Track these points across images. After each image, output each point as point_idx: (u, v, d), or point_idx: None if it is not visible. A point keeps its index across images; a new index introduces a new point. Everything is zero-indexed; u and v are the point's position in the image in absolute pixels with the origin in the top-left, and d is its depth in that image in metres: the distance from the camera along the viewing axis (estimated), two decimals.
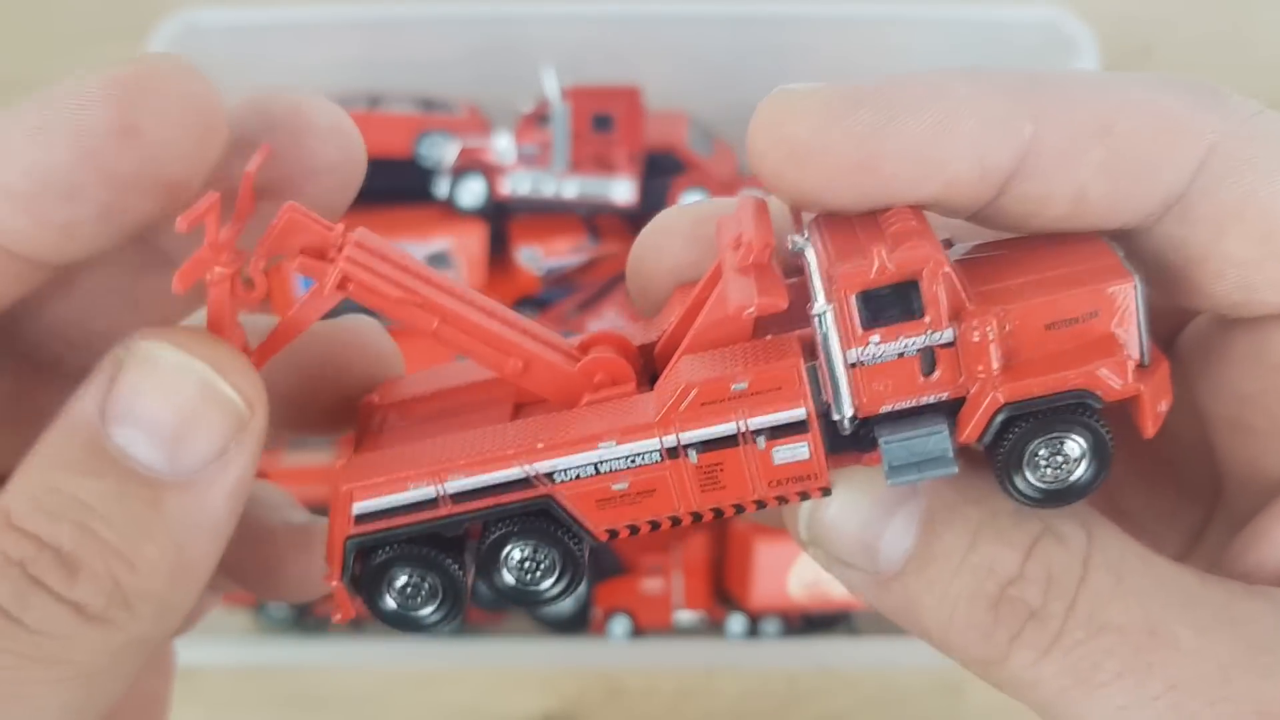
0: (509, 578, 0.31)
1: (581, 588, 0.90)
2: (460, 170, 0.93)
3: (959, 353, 0.29)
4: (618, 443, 0.29)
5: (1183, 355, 0.33)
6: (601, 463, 0.29)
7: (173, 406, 0.28)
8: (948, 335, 0.29)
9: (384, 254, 0.31)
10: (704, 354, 0.30)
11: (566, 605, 0.93)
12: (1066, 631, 0.28)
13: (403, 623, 0.31)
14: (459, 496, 0.29)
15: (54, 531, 0.27)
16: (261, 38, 0.97)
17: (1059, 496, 0.29)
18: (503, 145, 0.91)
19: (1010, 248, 0.31)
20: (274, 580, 0.37)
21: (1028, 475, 0.29)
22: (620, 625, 0.93)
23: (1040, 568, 0.29)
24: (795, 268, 0.30)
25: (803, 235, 0.29)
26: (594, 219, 0.98)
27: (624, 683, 1.03)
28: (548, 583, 0.31)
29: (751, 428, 0.29)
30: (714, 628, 0.94)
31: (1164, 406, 0.29)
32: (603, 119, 0.90)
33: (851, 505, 0.30)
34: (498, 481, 0.29)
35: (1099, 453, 0.29)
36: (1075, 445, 0.29)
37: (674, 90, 0.99)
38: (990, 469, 0.30)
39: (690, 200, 0.92)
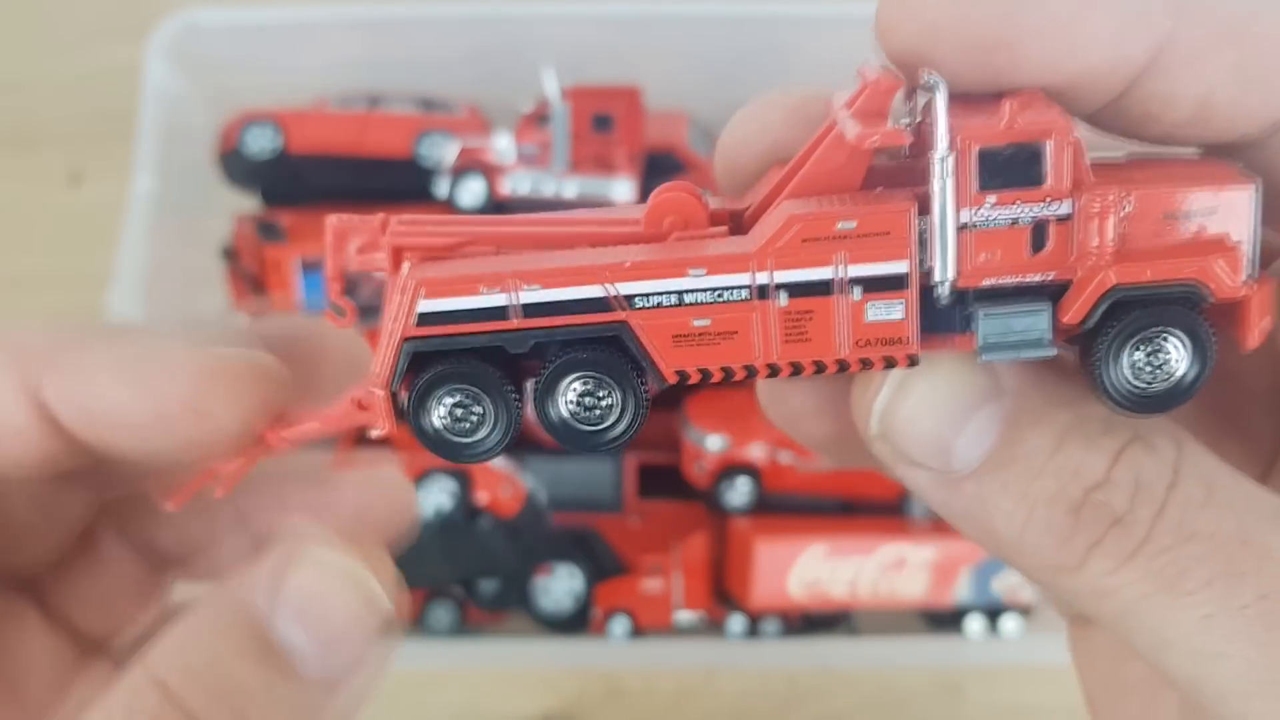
0: (565, 411, 0.29)
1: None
2: (460, 170, 0.93)
3: (1073, 229, 0.28)
4: (708, 272, 0.27)
5: None
6: (687, 292, 0.27)
7: (348, 613, 0.29)
8: (1065, 208, 0.28)
9: (422, 219, 0.30)
10: (809, 199, 0.28)
11: (566, 604, 0.93)
12: (1153, 538, 0.28)
13: (443, 447, 0.29)
14: (530, 309, 0.28)
15: (211, 713, 0.28)
16: (262, 38, 0.97)
17: (1156, 400, 0.28)
18: (503, 145, 0.91)
19: (1128, 161, 0.31)
20: None
21: (1125, 373, 0.28)
22: (620, 625, 0.93)
23: (1128, 473, 0.28)
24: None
25: (933, 75, 0.28)
26: None
27: (624, 683, 1.03)
28: (609, 421, 0.29)
29: (850, 275, 0.28)
30: (714, 628, 0.94)
31: (1268, 323, 0.28)
32: (603, 119, 0.90)
33: (930, 400, 0.29)
34: (575, 298, 0.28)
35: (1200, 353, 0.28)
36: (1176, 344, 0.28)
37: (674, 90, 0.99)
38: (1084, 372, 0.29)
39: None
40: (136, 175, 0.91)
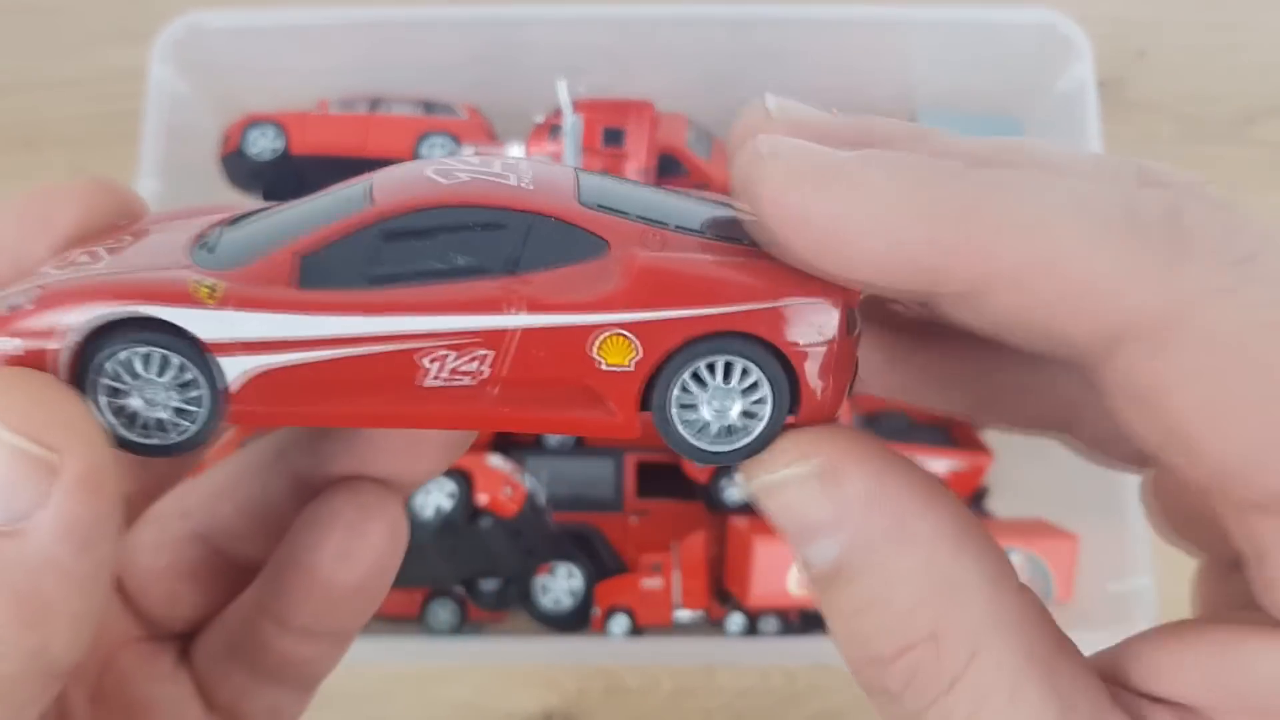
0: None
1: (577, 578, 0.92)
2: None
3: None
4: None
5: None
6: None
7: None
8: None
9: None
10: None
11: (566, 603, 0.94)
12: None
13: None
14: None
15: None
16: (265, 41, 0.97)
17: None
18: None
19: None
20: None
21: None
22: (620, 623, 0.94)
23: (908, 667, 0.30)
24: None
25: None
26: None
27: (623, 680, 1.04)
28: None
29: None
30: (713, 625, 0.95)
31: None
32: (614, 133, 0.90)
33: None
34: None
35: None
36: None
37: (673, 92, 0.99)
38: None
39: None
40: (141, 176, 0.92)
